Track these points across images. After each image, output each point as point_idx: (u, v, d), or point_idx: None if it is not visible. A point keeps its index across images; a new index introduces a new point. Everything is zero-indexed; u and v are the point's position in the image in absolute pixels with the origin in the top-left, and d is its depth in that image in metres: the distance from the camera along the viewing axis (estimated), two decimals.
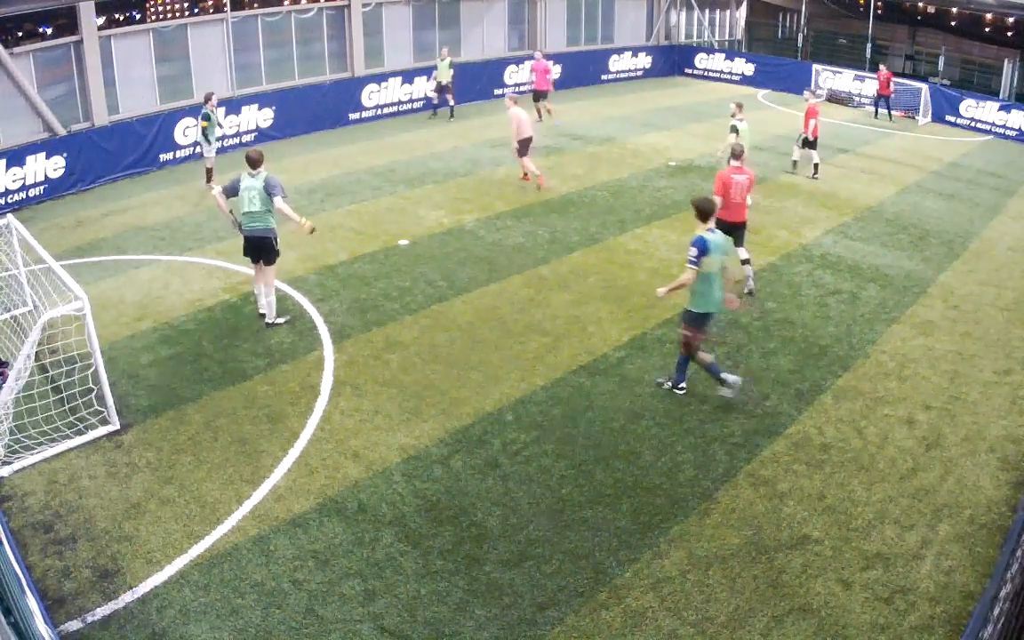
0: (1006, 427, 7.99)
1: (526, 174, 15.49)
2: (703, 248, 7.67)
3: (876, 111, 23.57)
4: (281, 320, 9.85)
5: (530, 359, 9.09)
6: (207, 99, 14.66)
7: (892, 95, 23.10)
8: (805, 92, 18.44)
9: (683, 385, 8.44)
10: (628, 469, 7.26)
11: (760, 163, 17.64)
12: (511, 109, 15.15)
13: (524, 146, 15.19)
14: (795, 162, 17.01)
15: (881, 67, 23.32)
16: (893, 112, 23.37)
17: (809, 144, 16.43)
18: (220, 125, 14.18)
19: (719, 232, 8.07)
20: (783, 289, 11.10)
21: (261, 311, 9.88)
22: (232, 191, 9.42)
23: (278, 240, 9.63)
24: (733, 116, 14.57)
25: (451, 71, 20.94)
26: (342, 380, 8.63)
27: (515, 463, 7.33)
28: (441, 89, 21.12)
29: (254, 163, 9.41)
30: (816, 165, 16.54)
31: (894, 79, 23.33)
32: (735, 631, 5.56)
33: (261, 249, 9.55)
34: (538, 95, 20.72)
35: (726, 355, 9.25)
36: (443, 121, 21.10)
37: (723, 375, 8.19)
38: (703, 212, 7.84)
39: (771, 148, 19.06)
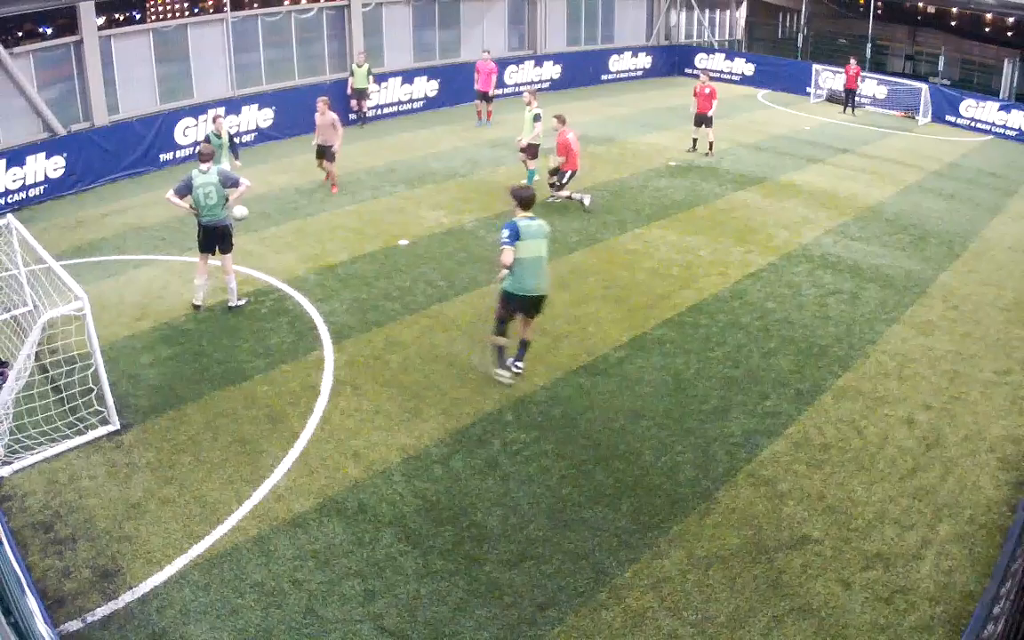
0: (1006, 427, 7.99)
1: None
2: (515, 232, 8.08)
3: (844, 107, 23.82)
4: (242, 302, 10.23)
5: (530, 359, 9.08)
6: (215, 120, 13.96)
7: (858, 89, 23.46)
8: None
9: (514, 365, 8.62)
10: (628, 469, 7.26)
11: (760, 163, 17.66)
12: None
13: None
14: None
15: (851, 61, 23.54)
16: (853, 109, 23.65)
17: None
18: (228, 143, 13.74)
19: (537, 220, 8.37)
20: (783, 289, 11.10)
21: (196, 303, 10.15)
22: (185, 190, 9.76)
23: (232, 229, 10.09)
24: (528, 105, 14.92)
25: (371, 77, 19.64)
26: (342, 380, 8.63)
27: (515, 463, 7.33)
28: (359, 97, 19.72)
29: (206, 158, 9.86)
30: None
31: (862, 74, 23.81)
32: (735, 631, 5.56)
33: (223, 238, 9.97)
34: (483, 96, 20.63)
35: (726, 355, 9.26)
36: (441, 121, 21.08)
37: (505, 366, 8.53)
38: (522, 201, 8.42)
39: (770, 148, 19.07)
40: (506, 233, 8.10)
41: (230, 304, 10.16)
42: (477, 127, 20.37)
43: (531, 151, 14.86)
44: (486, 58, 20.72)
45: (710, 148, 18.07)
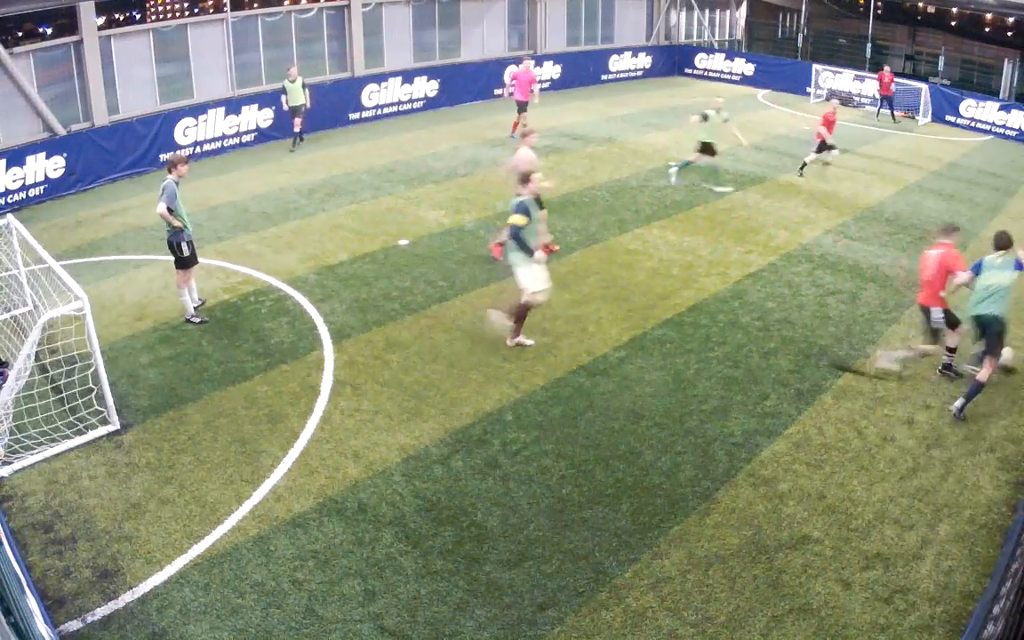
0: (1006, 427, 7.99)
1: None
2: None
3: (878, 111, 23.57)
4: (196, 319, 9.86)
5: (530, 359, 9.09)
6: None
7: (893, 95, 23.06)
8: (832, 99, 18.37)
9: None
10: (628, 469, 7.26)
11: (760, 162, 17.65)
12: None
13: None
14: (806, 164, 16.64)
15: (885, 67, 23.28)
16: (895, 113, 23.34)
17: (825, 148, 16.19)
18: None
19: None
20: (783, 289, 11.10)
21: (194, 305, 10.01)
22: (173, 197, 9.47)
23: (177, 246, 9.61)
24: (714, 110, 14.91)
25: (306, 92, 17.83)
26: (342, 380, 8.63)
27: (515, 463, 7.33)
28: (295, 114, 17.84)
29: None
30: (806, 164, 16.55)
31: (896, 80, 23.29)
32: (735, 631, 5.56)
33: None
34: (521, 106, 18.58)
35: (726, 355, 9.26)
36: (441, 121, 21.07)
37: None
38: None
39: (770, 148, 19.06)
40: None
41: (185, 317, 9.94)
42: (514, 140, 18.00)
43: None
44: (527, 66, 18.85)
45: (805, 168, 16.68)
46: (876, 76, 23.50)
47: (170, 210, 9.37)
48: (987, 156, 19.68)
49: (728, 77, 28.50)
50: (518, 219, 8.79)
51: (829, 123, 16.02)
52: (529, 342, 9.30)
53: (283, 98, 17.85)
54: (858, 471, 7.27)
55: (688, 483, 7.09)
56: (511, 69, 19.93)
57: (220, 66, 19.19)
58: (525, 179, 9.06)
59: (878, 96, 23.40)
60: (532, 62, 19.33)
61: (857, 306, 10.62)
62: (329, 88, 20.45)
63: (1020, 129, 21.53)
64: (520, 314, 9.19)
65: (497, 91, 22.90)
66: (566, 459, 7.39)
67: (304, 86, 17.82)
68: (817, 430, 7.89)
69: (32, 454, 7.23)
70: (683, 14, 30.49)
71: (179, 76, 18.63)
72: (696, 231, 13.25)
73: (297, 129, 18.03)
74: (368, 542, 6.34)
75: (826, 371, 8.97)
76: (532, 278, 8.98)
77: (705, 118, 15.09)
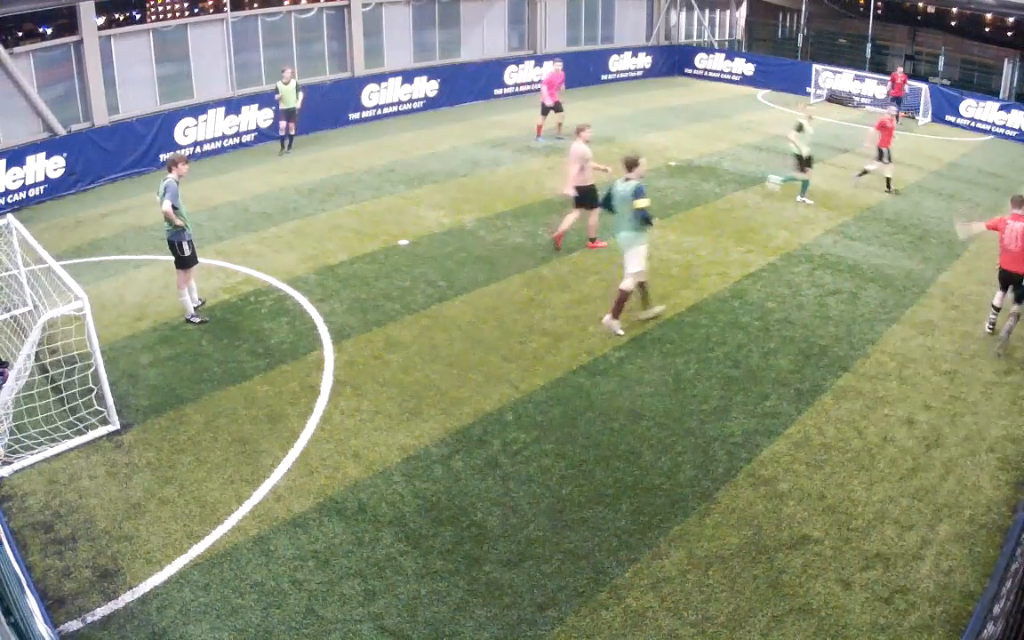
0: (1006, 427, 7.99)
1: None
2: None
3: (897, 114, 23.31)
4: (196, 319, 9.87)
5: (530, 359, 9.09)
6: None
7: (904, 97, 22.92)
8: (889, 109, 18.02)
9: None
10: (628, 469, 7.26)
11: (760, 162, 17.65)
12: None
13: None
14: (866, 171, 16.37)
15: (898, 69, 23.11)
16: (898, 113, 23.24)
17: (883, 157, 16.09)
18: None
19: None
20: (783, 289, 11.10)
21: (194, 305, 10.01)
22: (176, 196, 9.47)
23: (178, 245, 9.60)
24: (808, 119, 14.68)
25: (300, 94, 17.44)
26: (342, 380, 8.63)
27: (515, 463, 7.33)
28: (288, 117, 17.42)
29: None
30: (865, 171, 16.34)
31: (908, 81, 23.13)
32: (735, 631, 5.56)
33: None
34: (556, 107, 18.58)
35: (726, 355, 9.26)
36: (441, 121, 21.06)
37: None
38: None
39: (770, 148, 19.06)
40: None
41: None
42: (539, 142, 18.67)
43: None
44: (556, 67, 18.93)
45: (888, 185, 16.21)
46: (888, 77, 23.42)
47: (174, 208, 9.37)
48: (987, 156, 19.67)
49: (728, 77, 28.50)
50: (644, 202, 9.30)
51: (887, 131, 15.88)
52: (620, 331, 9.65)
53: (276, 98, 17.55)
54: (858, 471, 7.27)
55: (688, 483, 7.09)
56: (549, 66, 19.69)
57: (220, 66, 19.19)
58: (633, 165, 9.50)
59: (889, 97, 23.24)
60: (560, 64, 19.33)
61: (857, 306, 10.62)
62: (329, 88, 20.45)
63: (1020, 129, 21.52)
64: (623, 299, 9.59)
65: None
66: (566, 459, 7.40)
67: (299, 89, 17.40)
68: (817, 430, 7.89)
69: (32, 454, 7.23)
70: (683, 14, 30.49)
71: (179, 76, 18.63)
72: (696, 231, 13.25)
73: (283, 133, 17.61)
74: (368, 542, 6.34)
75: (826, 371, 8.98)
76: (641, 261, 9.54)
77: (800, 128, 14.59)
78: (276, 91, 17.53)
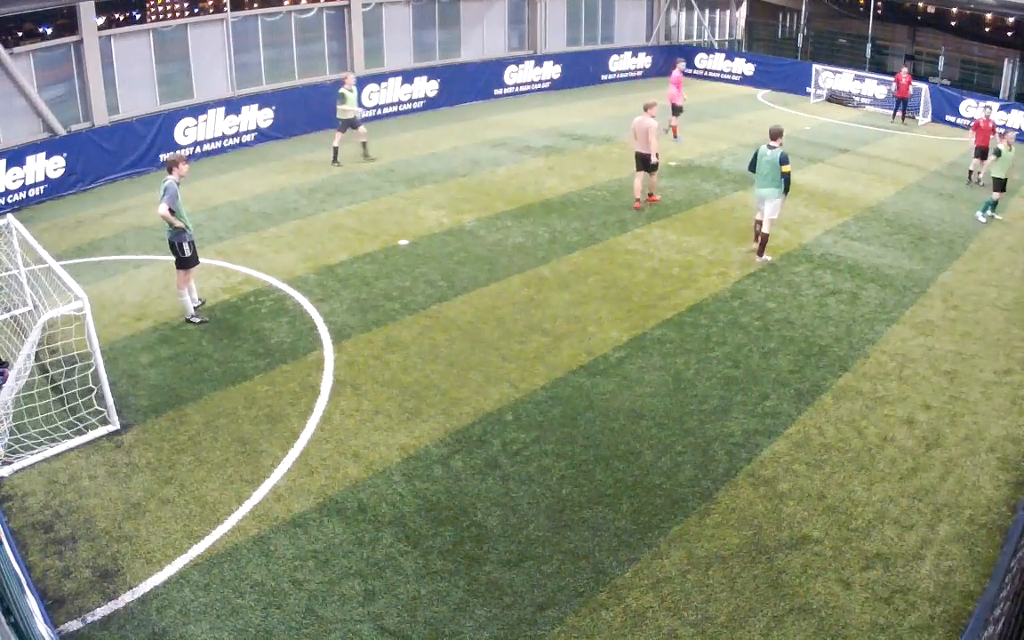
0: (1006, 427, 7.99)
1: (651, 194, 14.68)
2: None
3: (894, 115, 23.28)
4: (196, 319, 9.86)
5: (530, 359, 9.09)
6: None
7: (909, 97, 22.89)
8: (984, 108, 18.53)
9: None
10: (628, 469, 7.26)
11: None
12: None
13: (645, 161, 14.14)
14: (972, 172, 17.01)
15: (903, 69, 23.09)
16: (897, 113, 23.20)
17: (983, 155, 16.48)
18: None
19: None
20: (783, 289, 11.10)
21: (194, 305, 10.00)
22: (175, 198, 9.43)
23: (179, 246, 9.58)
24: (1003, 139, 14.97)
25: (360, 110, 16.87)
26: (342, 380, 8.63)
27: (515, 463, 7.33)
28: (351, 125, 16.58)
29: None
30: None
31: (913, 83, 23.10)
32: (735, 631, 5.56)
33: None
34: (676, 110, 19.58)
35: (726, 355, 9.26)
36: (441, 121, 21.06)
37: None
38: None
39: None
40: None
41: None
42: (676, 141, 19.28)
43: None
44: (681, 67, 20.00)
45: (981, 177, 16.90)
46: (892, 78, 23.39)
47: (171, 211, 9.36)
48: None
49: (728, 77, 28.52)
50: (789, 167, 11.46)
51: (984, 132, 16.32)
52: (770, 258, 12.00)
53: (339, 108, 16.38)
54: (858, 471, 7.27)
55: (688, 483, 7.09)
56: (681, 62, 20.49)
57: (220, 66, 19.20)
58: (777, 135, 11.51)
59: (894, 98, 23.20)
60: (683, 62, 20.40)
61: (857, 306, 10.63)
62: (329, 88, 20.42)
63: (1020, 129, 21.52)
64: (767, 239, 11.91)
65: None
66: (566, 459, 7.39)
67: (359, 99, 16.69)
68: (817, 430, 7.89)
69: (32, 454, 7.23)
70: (683, 14, 30.50)
71: (179, 76, 18.65)
72: (696, 231, 13.25)
73: (338, 143, 16.52)
74: (368, 542, 6.34)
75: (826, 371, 8.98)
76: (779, 211, 11.87)
77: (998, 154, 14.78)
78: (341, 99, 16.35)
